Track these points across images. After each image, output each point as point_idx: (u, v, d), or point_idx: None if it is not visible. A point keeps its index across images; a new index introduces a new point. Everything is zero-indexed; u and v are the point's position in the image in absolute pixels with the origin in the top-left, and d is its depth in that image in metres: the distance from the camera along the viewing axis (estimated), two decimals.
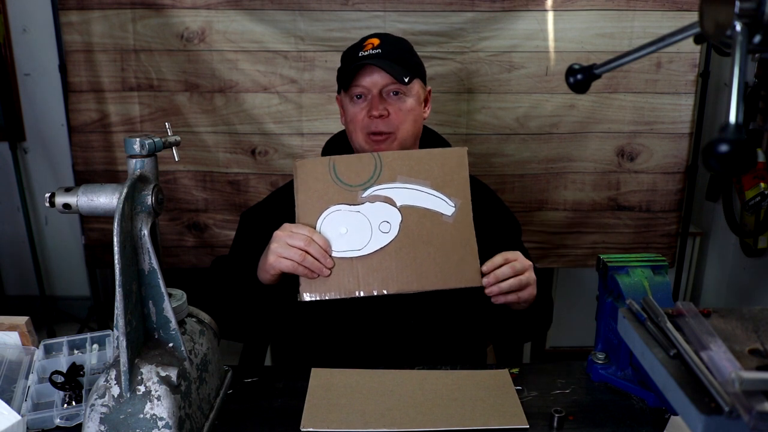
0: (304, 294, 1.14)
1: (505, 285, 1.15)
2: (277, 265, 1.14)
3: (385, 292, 1.15)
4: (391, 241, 1.16)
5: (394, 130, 1.31)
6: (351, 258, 1.15)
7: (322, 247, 1.14)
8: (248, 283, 1.22)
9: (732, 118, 0.56)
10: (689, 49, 2.15)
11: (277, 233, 1.16)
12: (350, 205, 1.18)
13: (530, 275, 1.19)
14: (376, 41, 1.33)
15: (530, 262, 1.21)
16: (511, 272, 1.16)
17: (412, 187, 1.19)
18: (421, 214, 1.18)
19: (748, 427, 0.66)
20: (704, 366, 0.75)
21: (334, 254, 1.15)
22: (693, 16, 0.66)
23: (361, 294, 1.14)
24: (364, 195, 1.18)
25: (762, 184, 2.30)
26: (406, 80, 1.30)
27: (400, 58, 1.33)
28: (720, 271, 2.79)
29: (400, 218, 1.18)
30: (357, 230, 1.16)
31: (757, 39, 0.60)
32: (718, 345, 0.77)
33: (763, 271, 2.50)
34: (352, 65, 1.31)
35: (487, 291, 1.16)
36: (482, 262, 1.17)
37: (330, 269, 1.14)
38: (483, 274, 1.16)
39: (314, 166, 1.20)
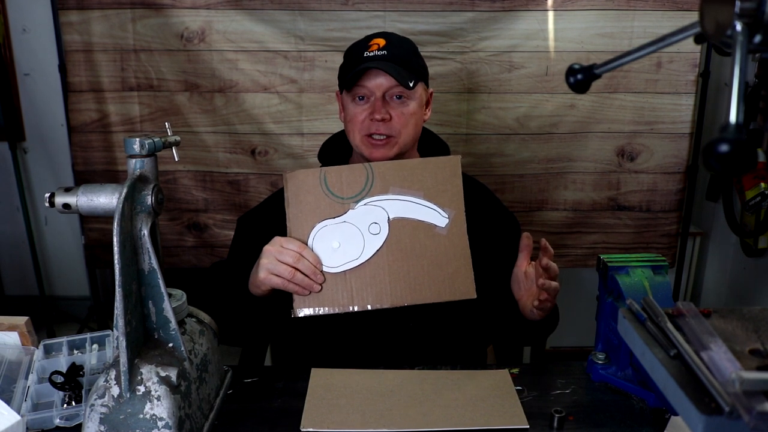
0: (298, 310, 1.14)
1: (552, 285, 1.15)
2: (268, 281, 1.13)
3: (379, 306, 1.14)
4: (384, 242, 1.15)
5: (395, 134, 1.29)
6: (344, 272, 1.14)
7: (312, 263, 1.13)
8: (243, 293, 1.22)
9: (732, 118, 0.56)
10: (689, 49, 2.16)
11: (268, 248, 1.14)
12: (335, 218, 1.16)
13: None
14: (381, 42, 1.31)
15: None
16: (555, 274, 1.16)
17: (404, 198, 1.17)
18: (413, 226, 1.17)
19: (749, 427, 0.66)
20: (704, 366, 0.75)
21: (330, 270, 1.14)
22: (693, 16, 0.66)
23: (356, 309, 1.14)
24: (356, 208, 1.16)
25: (762, 184, 2.29)
26: (411, 84, 1.28)
27: (405, 60, 1.30)
28: (720, 271, 2.79)
29: (387, 216, 1.16)
30: (349, 241, 1.15)
31: (757, 39, 0.60)
32: (719, 345, 0.77)
33: (763, 271, 2.50)
34: (357, 67, 1.28)
35: (540, 282, 1.16)
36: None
37: (321, 285, 1.13)
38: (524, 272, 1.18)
39: (305, 177, 1.17)
